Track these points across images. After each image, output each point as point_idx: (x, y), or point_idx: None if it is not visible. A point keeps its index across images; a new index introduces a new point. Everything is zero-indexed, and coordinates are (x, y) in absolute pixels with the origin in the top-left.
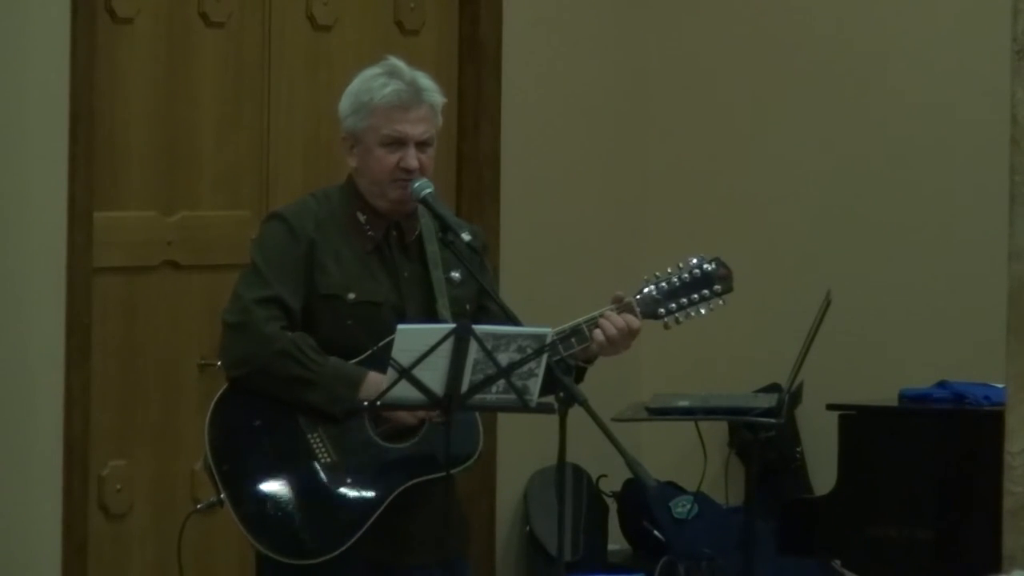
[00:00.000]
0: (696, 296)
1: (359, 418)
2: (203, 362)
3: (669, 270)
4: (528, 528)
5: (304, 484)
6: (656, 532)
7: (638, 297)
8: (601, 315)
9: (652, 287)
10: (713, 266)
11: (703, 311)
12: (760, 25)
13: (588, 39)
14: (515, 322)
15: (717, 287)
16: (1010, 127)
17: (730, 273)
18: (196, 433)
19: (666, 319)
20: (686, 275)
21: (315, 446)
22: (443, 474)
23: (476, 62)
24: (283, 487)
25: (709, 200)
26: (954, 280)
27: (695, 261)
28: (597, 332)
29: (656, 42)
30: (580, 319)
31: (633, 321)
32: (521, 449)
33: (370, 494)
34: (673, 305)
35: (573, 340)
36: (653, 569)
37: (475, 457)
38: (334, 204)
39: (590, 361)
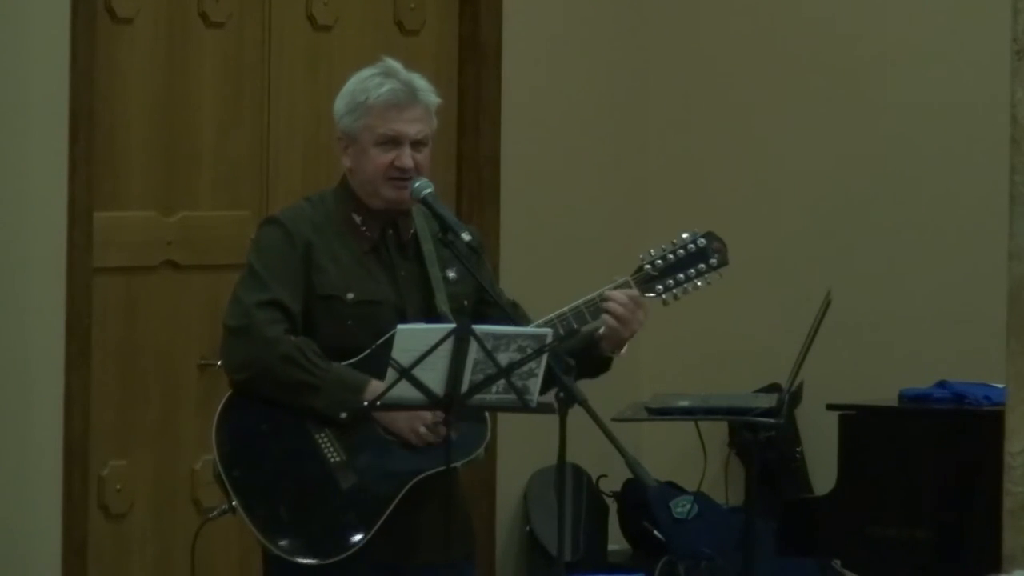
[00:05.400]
0: (693, 271)
1: (365, 416)
2: (203, 362)
3: (664, 247)
4: (528, 528)
5: (315, 485)
6: (656, 532)
7: (634, 276)
8: (600, 295)
9: (648, 265)
10: (706, 240)
11: (700, 285)
12: (760, 25)
13: (588, 39)
14: (515, 319)
15: (712, 260)
16: (1010, 127)
17: (724, 246)
18: (196, 433)
19: (664, 295)
20: (681, 251)
21: (323, 446)
22: (451, 466)
23: (476, 62)
24: (294, 489)
25: (709, 200)
26: (954, 280)
27: (687, 236)
28: (606, 317)
29: (656, 42)
30: (578, 301)
31: (633, 293)
32: (521, 449)
33: (380, 492)
34: (671, 281)
35: (574, 324)
36: (653, 569)
37: (481, 449)
38: (329, 206)
39: (616, 350)
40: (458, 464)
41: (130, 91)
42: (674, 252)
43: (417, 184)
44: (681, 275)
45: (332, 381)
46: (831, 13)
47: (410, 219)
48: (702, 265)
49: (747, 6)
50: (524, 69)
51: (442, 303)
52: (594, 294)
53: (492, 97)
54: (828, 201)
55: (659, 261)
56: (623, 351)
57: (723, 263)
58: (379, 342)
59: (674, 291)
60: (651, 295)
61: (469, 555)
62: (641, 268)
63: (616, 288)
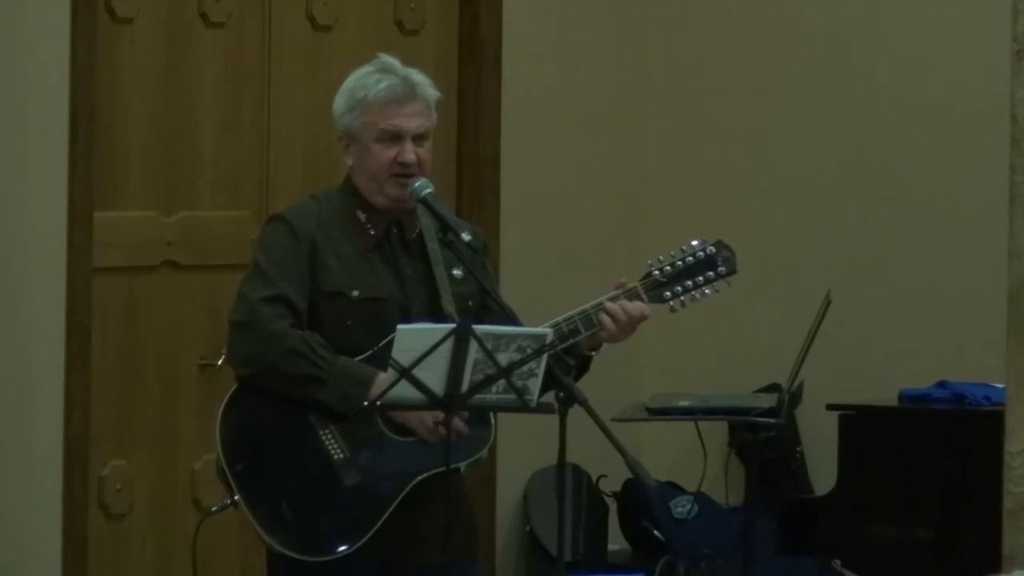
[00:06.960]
0: (701, 279)
1: (369, 413)
2: (203, 362)
3: (672, 253)
4: (528, 528)
5: (318, 481)
6: (656, 532)
7: (642, 282)
8: (595, 306)
9: (656, 271)
10: (716, 248)
11: (708, 292)
12: (760, 25)
13: (588, 39)
14: (515, 322)
15: (721, 268)
16: (1010, 127)
17: (733, 254)
18: (196, 433)
19: (671, 302)
20: (690, 258)
21: (327, 443)
22: (455, 466)
23: (476, 62)
24: (297, 485)
25: (708, 199)
26: (954, 280)
27: (697, 244)
28: (604, 318)
29: (656, 41)
30: (587, 305)
31: (644, 308)
32: (521, 449)
33: (383, 489)
34: (678, 288)
35: (581, 328)
36: (653, 569)
37: (485, 451)
38: (334, 204)
39: (595, 348)
40: (462, 465)
41: (130, 91)
42: (683, 259)
43: (417, 184)
44: (689, 282)
45: (338, 374)
46: (831, 14)
47: (415, 218)
48: (710, 273)
49: (745, 6)
50: (524, 69)
51: (448, 303)
52: (603, 299)
53: (492, 97)
54: (828, 201)
55: (667, 268)
56: (599, 350)
57: (731, 271)
58: (382, 343)
59: (681, 298)
60: (658, 302)
61: (473, 556)
62: (649, 274)
63: (625, 293)
